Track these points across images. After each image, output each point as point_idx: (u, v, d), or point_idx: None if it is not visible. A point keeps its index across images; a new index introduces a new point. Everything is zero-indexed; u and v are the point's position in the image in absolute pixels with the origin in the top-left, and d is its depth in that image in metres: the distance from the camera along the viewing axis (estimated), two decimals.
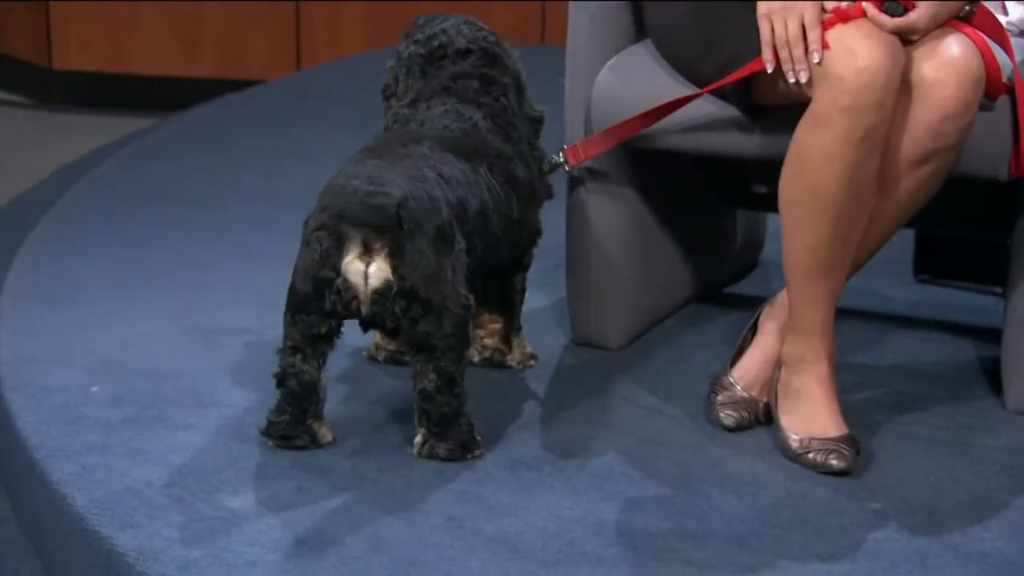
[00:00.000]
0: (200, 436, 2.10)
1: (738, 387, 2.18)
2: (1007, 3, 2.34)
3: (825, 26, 2.00)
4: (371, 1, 4.64)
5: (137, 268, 2.74)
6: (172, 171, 3.37)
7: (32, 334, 2.44)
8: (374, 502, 1.95)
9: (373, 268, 1.98)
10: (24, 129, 4.38)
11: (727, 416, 2.16)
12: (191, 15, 4.58)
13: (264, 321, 2.43)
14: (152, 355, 2.37)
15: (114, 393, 2.23)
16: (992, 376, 2.30)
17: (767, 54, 2.02)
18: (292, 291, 2.02)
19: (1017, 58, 2.12)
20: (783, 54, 2.01)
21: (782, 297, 2.16)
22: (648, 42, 2.30)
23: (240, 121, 3.81)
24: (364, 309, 2.00)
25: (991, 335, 2.40)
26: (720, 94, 2.17)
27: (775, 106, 2.12)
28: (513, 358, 2.33)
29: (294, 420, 2.05)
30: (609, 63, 2.29)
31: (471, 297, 2.04)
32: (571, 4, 2.31)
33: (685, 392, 2.26)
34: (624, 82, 2.27)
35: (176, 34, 4.59)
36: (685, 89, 2.21)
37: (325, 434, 2.07)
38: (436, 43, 2.25)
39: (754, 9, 2.07)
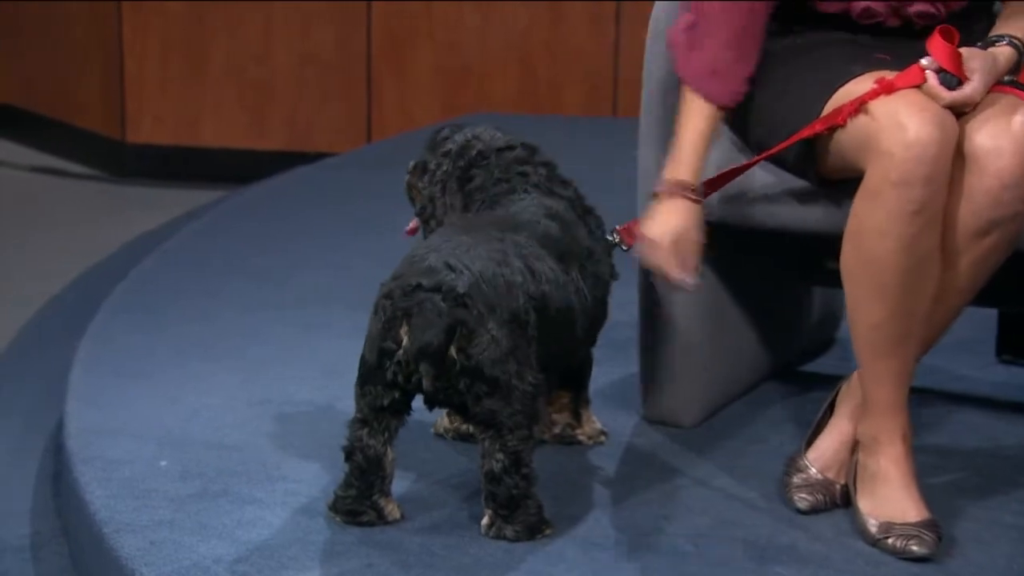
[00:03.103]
0: (267, 511, 2.12)
1: (813, 469, 2.17)
2: None
3: (870, 96, 2.00)
4: (442, 72, 4.71)
5: (205, 340, 2.78)
6: (241, 244, 3.42)
7: (101, 406, 2.48)
8: None
9: None
10: (97, 202, 4.47)
11: (802, 499, 2.15)
12: (261, 88, 4.67)
13: (329, 393, 2.45)
14: (219, 427, 2.40)
15: (182, 467, 2.26)
16: None
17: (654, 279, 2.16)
18: (361, 360, 2.04)
19: None
20: (659, 284, 2.13)
21: (857, 376, 2.15)
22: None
23: (308, 194, 3.86)
24: (426, 383, 2.01)
25: None
26: (786, 166, 2.18)
27: (838, 178, 2.13)
28: (583, 433, 2.34)
29: (360, 495, 2.06)
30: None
31: (541, 377, 2.04)
32: (645, 75, 2.34)
33: (759, 473, 2.24)
34: None
35: (245, 107, 4.69)
36: (743, 157, 2.22)
37: (392, 511, 2.08)
38: (474, 150, 2.28)
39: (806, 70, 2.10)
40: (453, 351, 1.98)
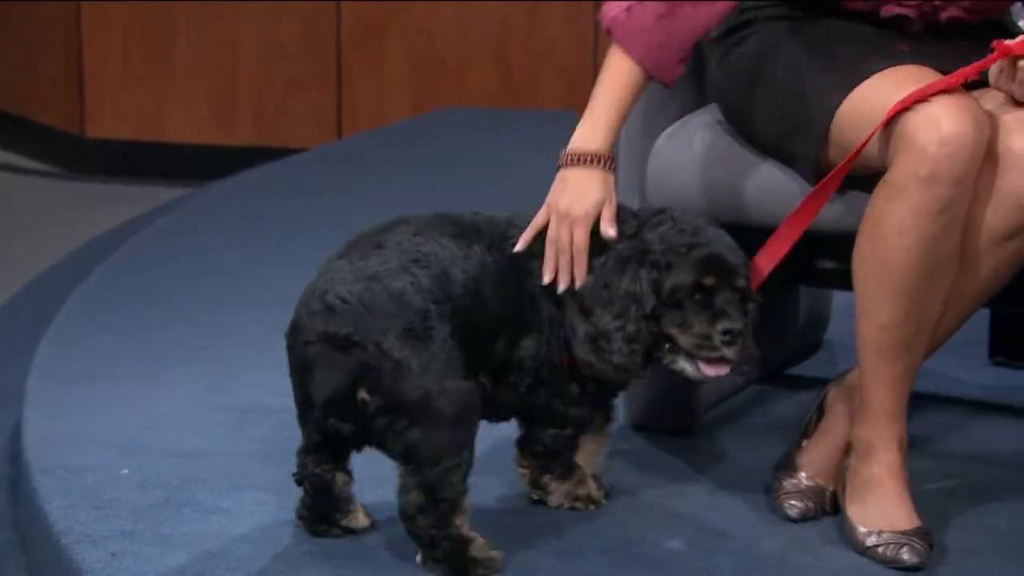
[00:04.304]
0: (232, 521, 2.10)
1: (803, 475, 2.16)
2: None
3: (990, 60, 1.98)
4: (416, 65, 4.69)
5: (170, 344, 2.76)
6: (208, 242, 3.39)
7: (61, 412, 2.46)
8: None
9: None
10: (56, 199, 4.44)
11: (791, 506, 2.14)
12: (226, 82, 4.64)
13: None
14: (183, 435, 2.37)
15: (144, 475, 2.23)
16: None
17: (549, 251, 2.02)
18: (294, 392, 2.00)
19: None
20: (560, 261, 2.01)
21: (851, 378, 2.14)
22: (709, 108, 2.30)
23: (278, 191, 3.84)
24: (344, 431, 1.96)
25: None
26: (786, 158, 2.16)
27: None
28: (553, 500, 2.15)
29: (317, 519, 2.05)
30: (667, 131, 2.30)
31: (470, 384, 1.94)
32: None
33: (747, 480, 2.23)
34: (680, 150, 2.27)
35: (210, 100, 4.66)
36: (742, 153, 2.19)
37: (358, 522, 2.06)
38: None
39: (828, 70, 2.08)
40: (364, 394, 1.93)
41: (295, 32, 4.64)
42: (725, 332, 1.97)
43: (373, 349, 1.92)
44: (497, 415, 2.09)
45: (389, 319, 1.93)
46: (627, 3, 2.07)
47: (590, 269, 2.02)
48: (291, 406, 2.42)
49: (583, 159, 2.05)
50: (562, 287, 2.01)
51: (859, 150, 2.02)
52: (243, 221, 3.57)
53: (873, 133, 2.00)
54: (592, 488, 2.15)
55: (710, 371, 2.00)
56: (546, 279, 2.02)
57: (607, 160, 2.06)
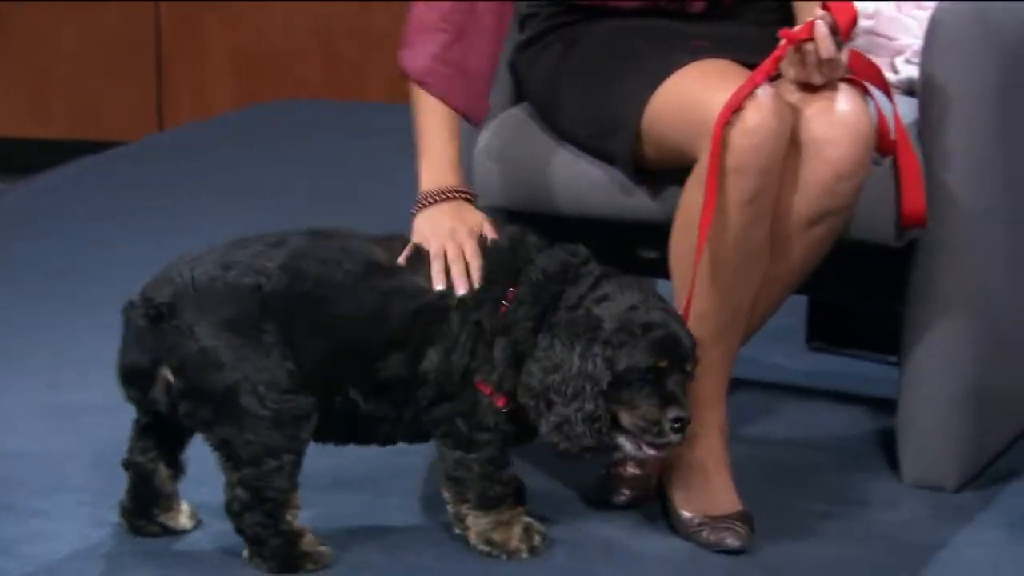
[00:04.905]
0: (53, 523, 2.07)
1: (629, 463, 2.21)
2: (896, 61, 2.43)
3: (780, 51, 2.02)
4: (240, 55, 4.65)
5: None
6: (28, 239, 3.33)
7: None
8: None
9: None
10: None
11: (618, 494, 2.19)
12: (42, 72, 4.54)
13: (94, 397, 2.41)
14: (5, 435, 2.33)
15: None
16: (888, 447, 2.36)
17: (437, 266, 1.99)
18: None
19: (908, 119, 2.20)
20: (455, 268, 1.98)
21: None
22: (525, 104, 2.34)
23: (100, 185, 3.77)
24: (160, 406, 1.95)
25: (886, 405, 2.45)
26: (605, 157, 2.21)
27: (657, 168, 2.17)
28: (471, 538, 2.05)
29: (138, 511, 2.04)
30: (489, 125, 2.33)
31: (300, 399, 1.92)
32: None
33: (577, 469, 2.27)
34: (504, 143, 2.30)
35: (25, 91, 4.55)
36: (562, 150, 2.24)
37: (178, 521, 2.05)
38: None
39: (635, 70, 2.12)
40: (169, 374, 1.93)
41: (113, 21, 4.57)
42: (676, 420, 1.94)
43: (185, 329, 1.91)
44: (383, 435, 2.04)
45: (215, 307, 1.92)
46: (429, 50, 2.09)
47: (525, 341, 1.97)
48: (120, 406, 2.38)
49: (444, 195, 2.06)
50: (461, 292, 1.97)
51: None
52: (61, 216, 3.50)
53: (753, 84, 2.01)
54: (514, 536, 2.03)
55: (651, 451, 1.96)
56: (436, 286, 1.98)
57: (467, 193, 2.08)
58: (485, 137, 2.32)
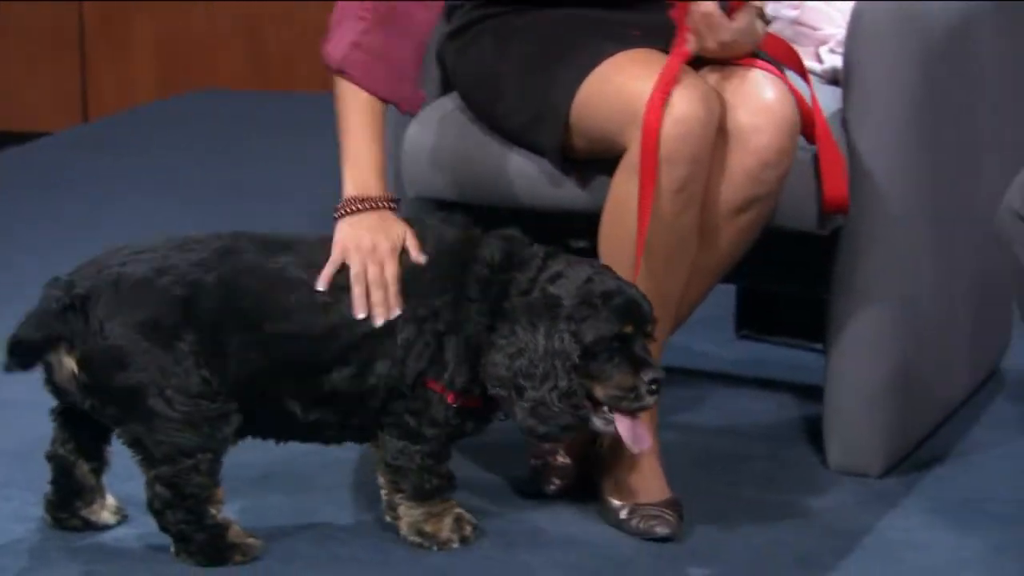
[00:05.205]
0: None
1: (559, 452, 2.22)
2: (820, 51, 2.45)
3: (678, 57, 2.03)
4: (165, 45, 4.61)
5: None
6: None
7: None
8: None
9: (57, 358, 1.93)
10: None
11: (548, 483, 2.20)
12: None
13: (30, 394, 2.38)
14: None
15: None
16: (814, 434, 2.39)
17: (358, 291, 1.97)
18: None
19: (832, 108, 2.22)
20: (375, 295, 1.97)
21: None
22: (454, 94, 2.34)
23: (21, 177, 3.73)
24: (76, 397, 1.94)
25: (813, 392, 2.48)
26: (534, 148, 2.22)
27: (587, 157, 2.18)
28: (401, 529, 2.05)
29: (60, 504, 2.03)
30: (419, 115, 2.33)
31: (216, 405, 1.91)
32: None
33: (507, 458, 2.28)
34: (434, 133, 2.31)
35: None
36: (492, 140, 2.25)
37: (100, 516, 2.04)
38: None
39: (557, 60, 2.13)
40: (73, 365, 1.91)
41: (37, 10, 4.51)
42: (652, 382, 1.94)
43: (94, 324, 1.90)
44: (330, 438, 2.04)
45: (132, 307, 1.91)
46: (348, 37, 2.07)
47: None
48: (43, 399, 2.37)
49: (368, 203, 2.05)
50: (379, 322, 1.96)
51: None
52: None
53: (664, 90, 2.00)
54: (446, 527, 2.03)
55: (623, 428, 1.94)
56: (358, 315, 1.96)
57: (390, 202, 2.06)
58: (414, 128, 2.32)
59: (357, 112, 2.08)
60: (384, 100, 2.10)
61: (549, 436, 1.97)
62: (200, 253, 1.95)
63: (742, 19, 2.06)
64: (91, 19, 4.59)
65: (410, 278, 1.99)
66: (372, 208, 2.04)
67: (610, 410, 1.97)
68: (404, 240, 2.02)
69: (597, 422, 1.98)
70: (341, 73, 2.09)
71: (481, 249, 2.01)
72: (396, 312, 1.97)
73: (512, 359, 1.94)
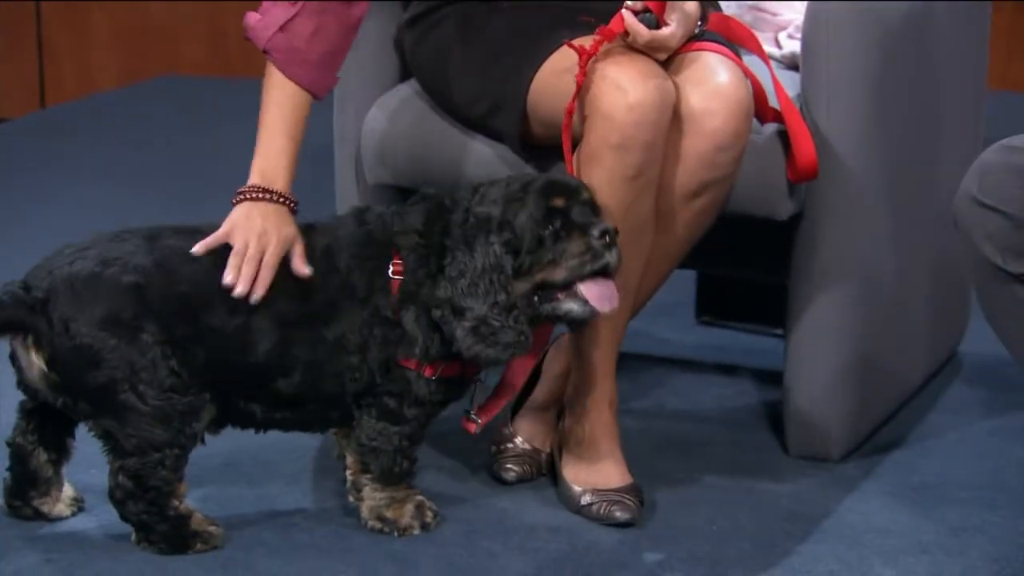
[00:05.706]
0: None
1: (519, 439, 2.23)
2: (779, 36, 2.47)
3: (592, 50, 2.05)
4: (124, 31, 4.58)
5: None
6: None
7: None
8: (130, 571, 1.92)
9: (28, 358, 1.93)
10: None
11: (507, 471, 2.21)
12: None
13: (8, 378, 2.37)
14: None
15: None
16: (774, 419, 2.41)
17: (235, 261, 1.96)
18: None
19: (790, 93, 2.23)
20: (246, 269, 1.95)
21: (565, 341, 2.22)
22: (412, 81, 2.35)
23: None
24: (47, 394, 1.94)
25: (772, 377, 2.50)
26: (493, 135, 2.23)
27: (544, 144, 2.18)
28: (363, 513, 2.05)
29: (15, 492, 2.03)
30: (378, 101, 2.33)
31: (184, 399, 1.91)
32: None
33: (468, 446, 2.29)
34: (393, 119, 2.31)
35: None
36: (451, 126, 2.25)
37: (54, 508, 2.04)
38: None
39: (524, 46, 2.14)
40: (42, 364, 1.92)
41: None
42: (602, 234, 1.92)
43: (58, 324, 1.90)
44: (313, 427, 2.06)
45: (92, 303, 1.90)
46: (278, 20, 2.05)
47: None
48: (11, 389, 2.37)
49: (269, 195, 2.03)
50: (239, 291, 1.94)
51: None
52: None
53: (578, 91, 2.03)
54: (407, 513, 2.03)
55: (593, 296, 1.93)
56: (226, 280, 1.93)
57: (291, 202, 2.04)
58: (373, 113, 2.32)
59: (278, 104, 2.07)
60: (304, 88, 2.08)
61: (493, 358, 1.95)
62: (134, 241, 1.96)
63: (668, 28, 2.06)
64: (49, 7, 4.56)
65: (332, 277, 1.98)
66: (272, 201, 2.03)
67: (580, 283, 1.94)
68: (292, 242, 2.00)
69: (573, 307, 1.96)
70: (265, 54, 2.08)
71: (400, 222, 2.00)
72: (257, 295, 1.94)
73: (453, 282, 1.94)
